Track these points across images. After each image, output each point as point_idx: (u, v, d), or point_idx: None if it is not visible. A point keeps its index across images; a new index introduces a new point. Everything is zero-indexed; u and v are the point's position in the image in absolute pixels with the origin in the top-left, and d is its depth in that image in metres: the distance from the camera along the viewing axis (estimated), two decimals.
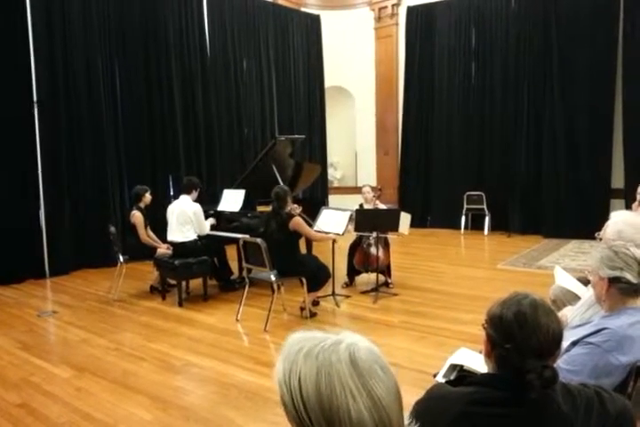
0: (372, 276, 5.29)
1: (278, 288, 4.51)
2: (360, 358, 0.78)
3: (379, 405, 0.76)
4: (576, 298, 2.65)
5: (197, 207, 5.19)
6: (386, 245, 5.43)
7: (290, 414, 0.78)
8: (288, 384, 0.77)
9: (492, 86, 8.90)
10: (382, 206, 5.58)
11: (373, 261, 5.24)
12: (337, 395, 0.74)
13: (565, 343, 1.70)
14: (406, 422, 0.84)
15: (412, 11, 9.77)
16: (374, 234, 5.21)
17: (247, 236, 4.77)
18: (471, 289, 5.31)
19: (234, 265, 5.68)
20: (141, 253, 5.42)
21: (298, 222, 4.49)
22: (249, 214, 5.65)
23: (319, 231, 4.88)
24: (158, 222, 6.01)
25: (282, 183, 5.73)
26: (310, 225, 4.90)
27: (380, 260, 5.21)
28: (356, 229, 5.19)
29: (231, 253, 5.73)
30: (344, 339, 0.81)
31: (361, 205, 5.57)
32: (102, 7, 6.86)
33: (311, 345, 0.80)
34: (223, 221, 5.74)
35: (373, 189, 5.70)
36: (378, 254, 5.19)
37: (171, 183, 7.79)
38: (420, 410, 1.26)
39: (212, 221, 5.52)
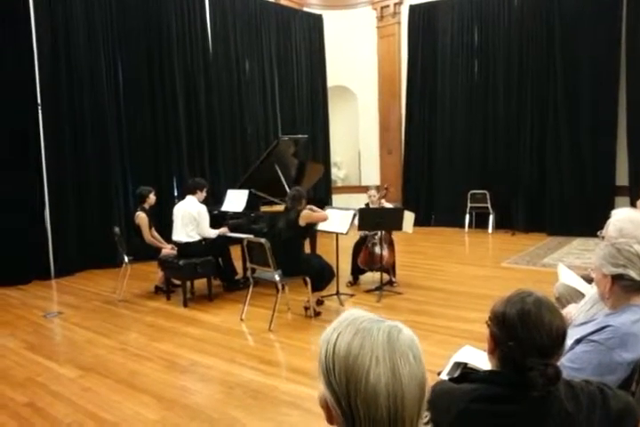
0: (377, 275, 5.30)
1: (282, 288, 4.52)
2: (398, 339, 0.83)
3: (398, 381, 0.79)
4: (580, 296, 2.65)
5: (202, 208, 5.15)
6: (390, 244, 5.43)
7: (320, 364, 0.85)
8: (327, 338, 0.85)
9: (495, 84, 8.88)
10: (389, 205, 5.57)
11: (378, 261, 5.24)
12: (363, 354, 0.80)
13: (569, 341, 1.70)
14: (424, 420, 0.86)
15: (414, 9, 9.76)
16: (379, 233, 5.22)
17: (251, 236, 4.78)
18: (475, 287, 5.30)
19: (238, 265, 5.70)
20: (146, 253, 5.44)
21: (308, 215, 4.47)
22: (252, 215, 5.66)
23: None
24: (162, 223, 6.04)
25: (285, 183, 5.75)
26: None
27: (384, 259, 5.22)
28: (360, 228, 5.21)
29: (236, 252, 5.74)
30: (391, 322, 0.87)
31: (367, 205, 5.57)
32: (105, 7, 6.87)
33: (359, 315, 0.87)
34: (227, 221, 5.74)
35: (379, 188, 5.69)
36: (382, 254, 5.19)
37: (174, 184, 7.82)
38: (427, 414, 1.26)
39: (223, 230, 5.44)
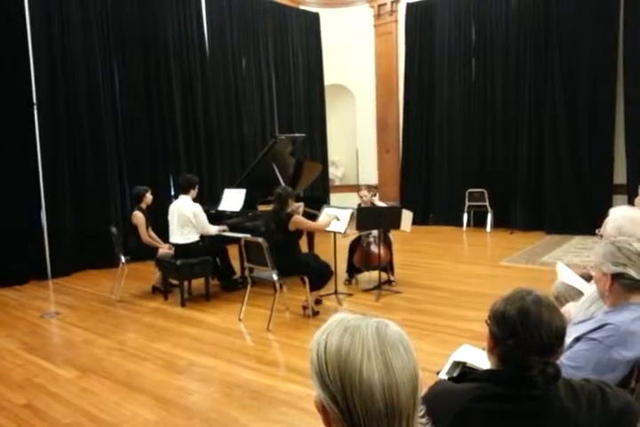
0: (375, 274, 5.29)
1: (280, 287, 4.51)
2: (386, 333, 0.84)
3: (391, 375, 0.80)
4: (579, 294, 2.64)
5: (197, 207, 5.10)
6: (386, 242, 5.42)
7: (312, 366, 0.85)
8: (317, 340, 0.86)
9: (493, 82, 8.87)
10: (380, 204, 5.58)
11: (374, 260, 5.23)
12: (355, 349, 0.81)
13: (568, 339, 1.69)
14: (420, 413, 0.86)
15: (411, 7, 9.74)
16: (374, 232, 5.21)
17: (249, 235, 4.76)
18: (474, 286, 5.30)
19: (236, 264, 5.68)
20: (143, 253, 5.42)
21: (298, 221, 4.48)
22: (250, 214, 5.64)
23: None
24: (160, 222, 6.01)
25: (282, 182, 5.73)
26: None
27: (380, 257, 5.20)
28: (358, 228, 5.19)
29: (233, 252, 5.73)
30: (377, 318, 0.88)
31: (359, 206, 5.56)
32: (100, 7, 6.84)
33: (345, 316, 0.89)
34: (224, 220, 5.73)
35: (370, 188, 5.71)
36: (379, 252, 5.18)
37: (171, 183, 7.79)
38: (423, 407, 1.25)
39: (222, 228, 5.40)
